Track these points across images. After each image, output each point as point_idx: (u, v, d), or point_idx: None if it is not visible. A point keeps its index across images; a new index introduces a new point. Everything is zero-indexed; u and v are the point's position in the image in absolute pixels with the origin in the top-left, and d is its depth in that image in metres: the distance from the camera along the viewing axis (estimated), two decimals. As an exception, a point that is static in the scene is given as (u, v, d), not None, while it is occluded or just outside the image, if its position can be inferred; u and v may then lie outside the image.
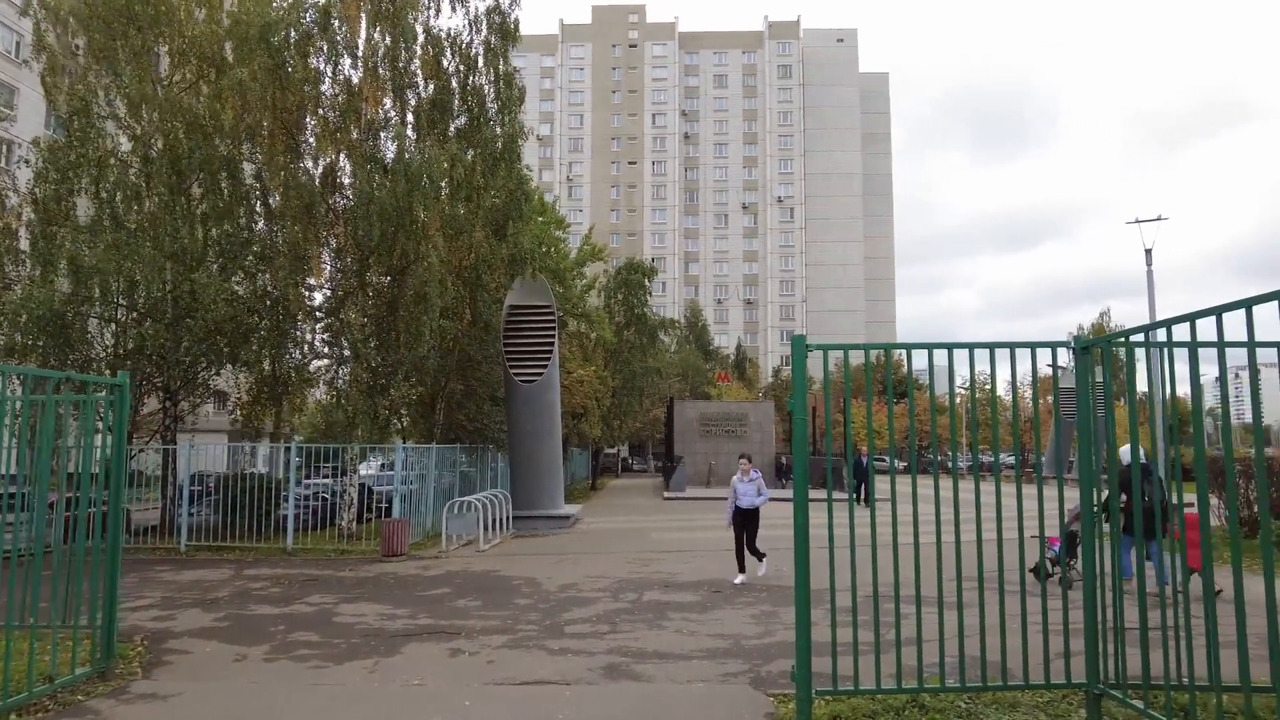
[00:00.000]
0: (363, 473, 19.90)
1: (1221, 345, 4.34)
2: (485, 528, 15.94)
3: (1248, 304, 4.10)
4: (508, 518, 18.01)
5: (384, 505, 18.00)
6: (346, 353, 15.92)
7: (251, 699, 6.14)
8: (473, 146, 17.53)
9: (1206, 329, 4.52)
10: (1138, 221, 16.63)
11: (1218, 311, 4.32)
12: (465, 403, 20.60)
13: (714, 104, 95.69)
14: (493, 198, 17.15)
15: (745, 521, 11.33)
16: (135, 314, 16.37)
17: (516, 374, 17.93)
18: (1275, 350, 4.38)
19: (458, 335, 18.19)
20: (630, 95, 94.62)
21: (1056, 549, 9.71)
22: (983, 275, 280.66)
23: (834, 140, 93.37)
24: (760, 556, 11.49)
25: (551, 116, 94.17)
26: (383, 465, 22.84)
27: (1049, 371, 55.94)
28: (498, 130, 17.83)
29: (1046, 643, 5.45)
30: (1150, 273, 16.65)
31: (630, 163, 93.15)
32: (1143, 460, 9.97)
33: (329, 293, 17.39)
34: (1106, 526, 8.11)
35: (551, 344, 18.12)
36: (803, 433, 5.34)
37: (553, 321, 18.26)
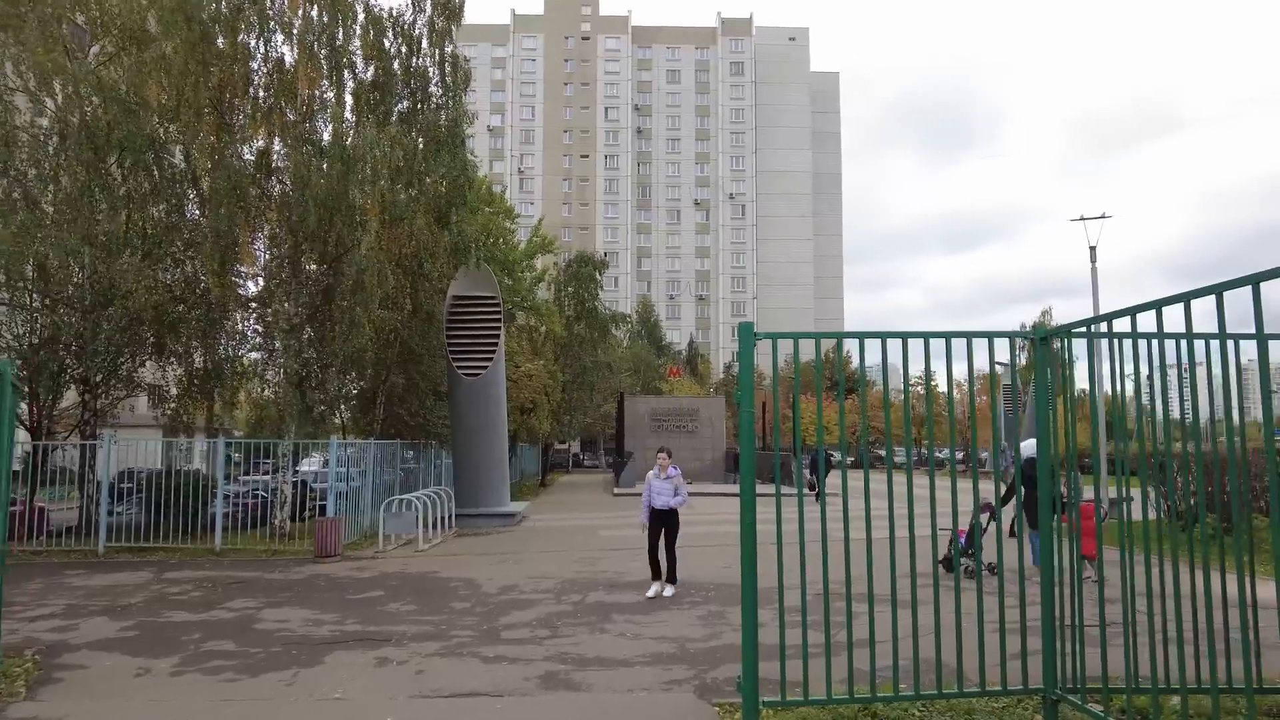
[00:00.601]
0: (305, 469, 19.11)
1: (1189, 337, 4.13)
2: (426, 526, 15.37)
3: (1218, 290, 3.92)
4: (451, 516, 17.46)
5: (324, 503, 17.27)
6: (278, 345, 15.16)
7: None
8: (415, 130, 16.90)
9: (1172, 319, 4.32)
10: (1082, 219, 16.81)
11: (1185, 299, 4.14)
12: (407, 397, 19.94)
13: (667, 99, 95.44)
14: (436, 184, 16.53)
15: (661, 524, 10.05)
16: (48, 300, 15.37)
17: (460, 367, 17.36)
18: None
19: (398, 327, 17.55)
20: (583, 88, 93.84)
21: (963, 540, 9.84)
22: (928, 275, 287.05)
23: (785, 138, 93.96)
24: (673, 574, 10.16)
25: (503, 107, 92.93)
26: (326, 462, 22.03)
27: (1000, 366, 57.22)
28: (442, 114, 17.21)
29: (1004, 644, 5.22)
30: (1095, 270, 16.83)
31: (583, 156, 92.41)
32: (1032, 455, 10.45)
33: (263, 282, 16.58)
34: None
35: (497, 336, 17.59)
36: (749, 426, 5.00)
37: (498, 313, 17.72)
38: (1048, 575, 5.14)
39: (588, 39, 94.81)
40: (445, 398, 19.23)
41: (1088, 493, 15.21)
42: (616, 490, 28.38)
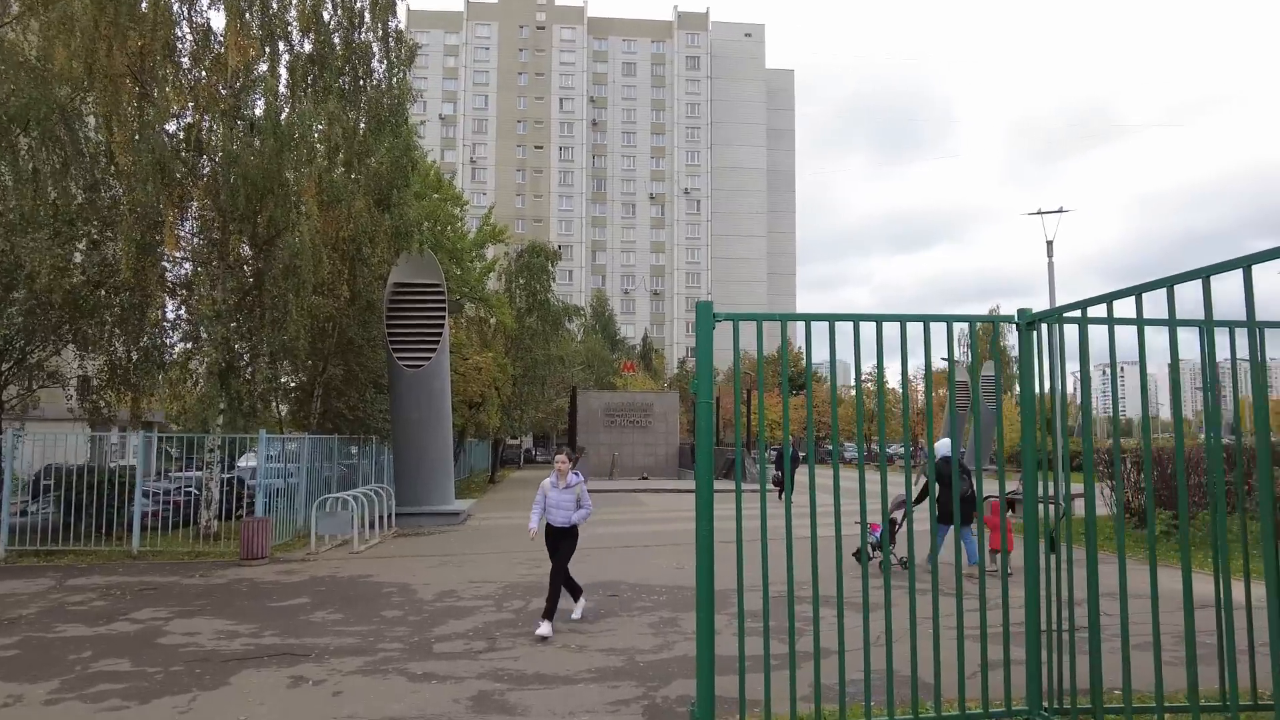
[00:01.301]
0: (247, 465, 17.97)
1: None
2: (362, 526, 14.54)
3: (1204, 274, 3.54)
4: (391, 515, 16.62)
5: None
6: (204, 334, 14.12)
7: (8, 759, 4.79)
8: (356, 108, 15.96)
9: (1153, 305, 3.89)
10: (1040, 213, 16.62)
11: (1169, 283, 3.77)
12: (346, 390, 18.98)
13: (622, 92, 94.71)
14: (377, 164, 15.62)
15: (557, 543, 8.02)
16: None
17: (401, 358, 16.49)
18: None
19: (335, 315, 16.60)
20: (537, 78, 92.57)
21: (878, 535, 10.02)
22: (877, 274, 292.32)
23: (740, 134, 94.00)
24: (576, 593, 8.42)
25: (455, 96, 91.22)
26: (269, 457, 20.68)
27: (942, 359, 57.59)
28: (384, 92, 16.29)
29: (985, 657, 4.73)
30: (1051, 264, 16.69)
31: (536, 147, 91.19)
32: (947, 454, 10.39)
33: (190, 266, 15.51)
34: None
35: (441, 326, 16.75)
36: (707, 417, 4.43)
37: (442, 301, 16.89)
38: (1032, 580, 4.66)
39: (543, 29, 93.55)
40: (387, 390, 18.33)
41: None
42: (568, 486, 27.72)
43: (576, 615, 8.30)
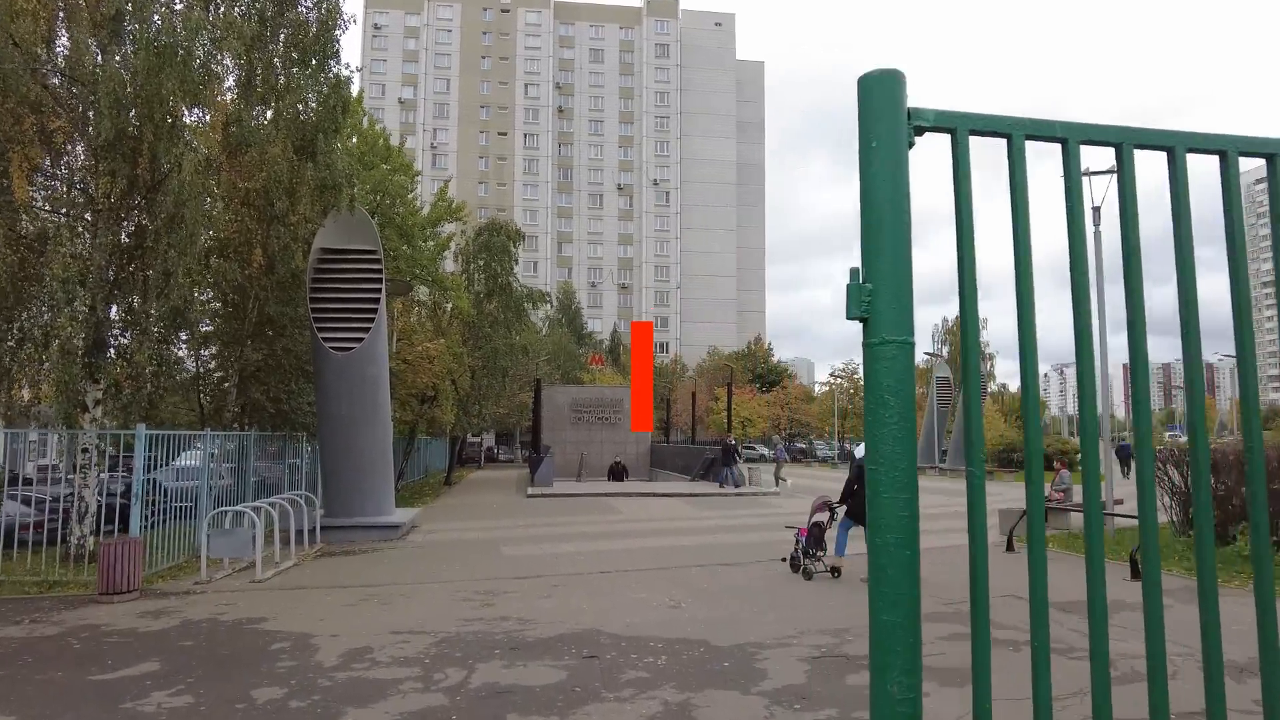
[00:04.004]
0: (183, 464, 14.83)
1: None
2: (275, 545, 11.67)
3: None
4: (316, 529, 13.74)
5: (186, 506, 13.10)
6: (56, 301, 11.01)
7: None
8: (274, 33, 13.03)
9: None
10: (1088, 173, 14.24)
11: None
12: (267, 378, 15.97)
13: (589, 79, 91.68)
14: (297, 95, 12.72)
15: None
16: None
17: (328, 339, 13.59)
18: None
19: (248, 285, 13.65)
20: (501, 63, 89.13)
21: (805, 540, 10.16)
22: (838, 276, 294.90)
23: (709, 125, 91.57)
24: None
25: (415, 79, 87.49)
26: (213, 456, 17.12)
27: (931, 356, 55.72)
28: (309, 14, 13.35)
29: None
30: (1098, 233, 14.40)
31: (500, 133, 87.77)
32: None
33: (50, 215, 12.41)
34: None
35: (376, 301, 13.89)
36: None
37: (378, 270, 14.02)
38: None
39: (507, 11, 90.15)
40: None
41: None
42: (531, 490, 24.84)
43: None
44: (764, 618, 8.27)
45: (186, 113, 11.50)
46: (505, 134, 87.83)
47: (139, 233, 11.44)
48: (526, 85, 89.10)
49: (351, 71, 13.92)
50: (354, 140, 23.95)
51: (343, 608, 8.96)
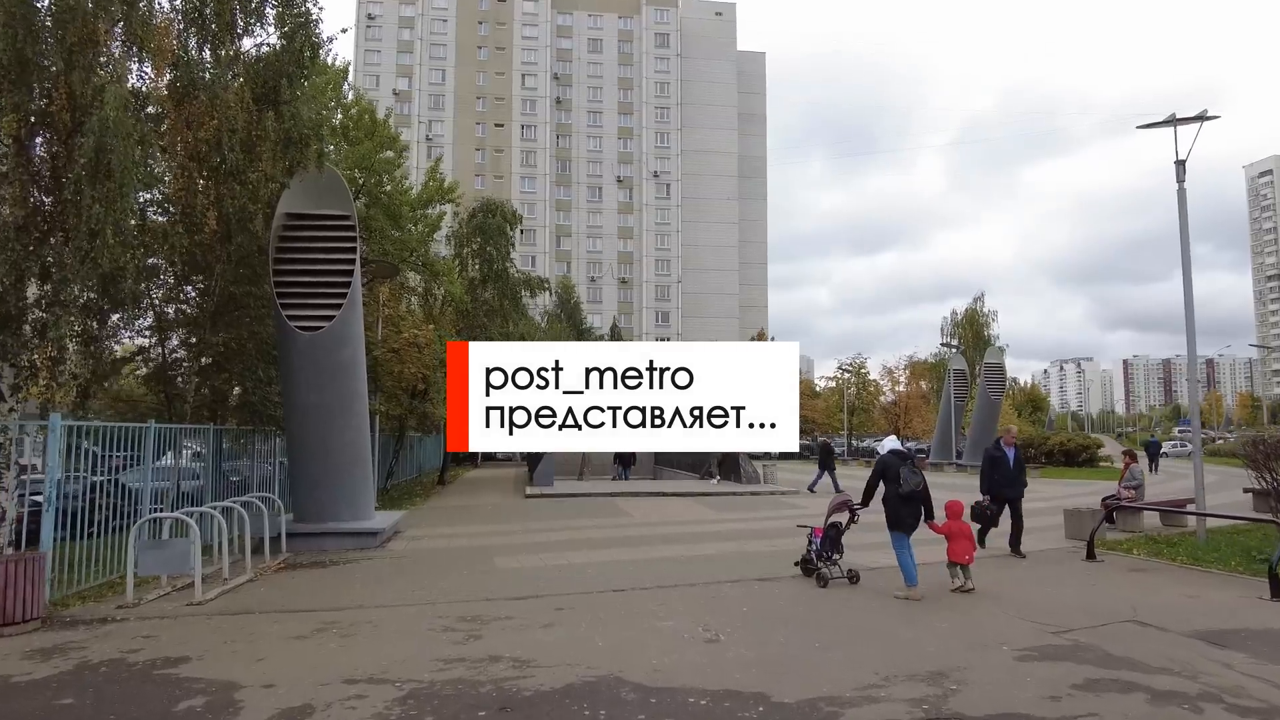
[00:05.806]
0: (167, 463, 12.91)
1: None
2: (224, 556, 9.78)
3: None
4: (281, 536, 11.86)
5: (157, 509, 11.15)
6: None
7: None
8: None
9: None
10: (1174, 121, 12.34)
11: None
12: (229, 365, 14.06)
13: (588, 69, 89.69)
14: (259, 43, 10.85)
15: None
16: None
17: (293, 317, 11.69)
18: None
19: (202, 254, 11.75)
20: (498, 53, 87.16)
21: (820, 541, 9.38)
22: (835, 275, 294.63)
23: (710, 117, 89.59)
24: None
25: (411, 70, 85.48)
26: (197, 454, 14.82)
27: (948, 348, 53.82)
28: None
29: None
30: (1182, 189, 12.58)
31: (497, 125, 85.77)
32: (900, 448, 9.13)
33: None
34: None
35: (349, 273, 12.00)
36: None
37: (352, 239, 12.12)
38: None
39: (503, 1, 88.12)
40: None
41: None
42: (530, 490, 22.94)
43: None
44: (829, 655, 6.41)
45: (113, 37, 9.56)
46: (502, 125, 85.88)
47: (57, 182, 9.53)
48: (524, 76, 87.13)
49: (320, 8, 11.98)
50: (339, 117, 22.09)
51: (291, 642, 7.07)
